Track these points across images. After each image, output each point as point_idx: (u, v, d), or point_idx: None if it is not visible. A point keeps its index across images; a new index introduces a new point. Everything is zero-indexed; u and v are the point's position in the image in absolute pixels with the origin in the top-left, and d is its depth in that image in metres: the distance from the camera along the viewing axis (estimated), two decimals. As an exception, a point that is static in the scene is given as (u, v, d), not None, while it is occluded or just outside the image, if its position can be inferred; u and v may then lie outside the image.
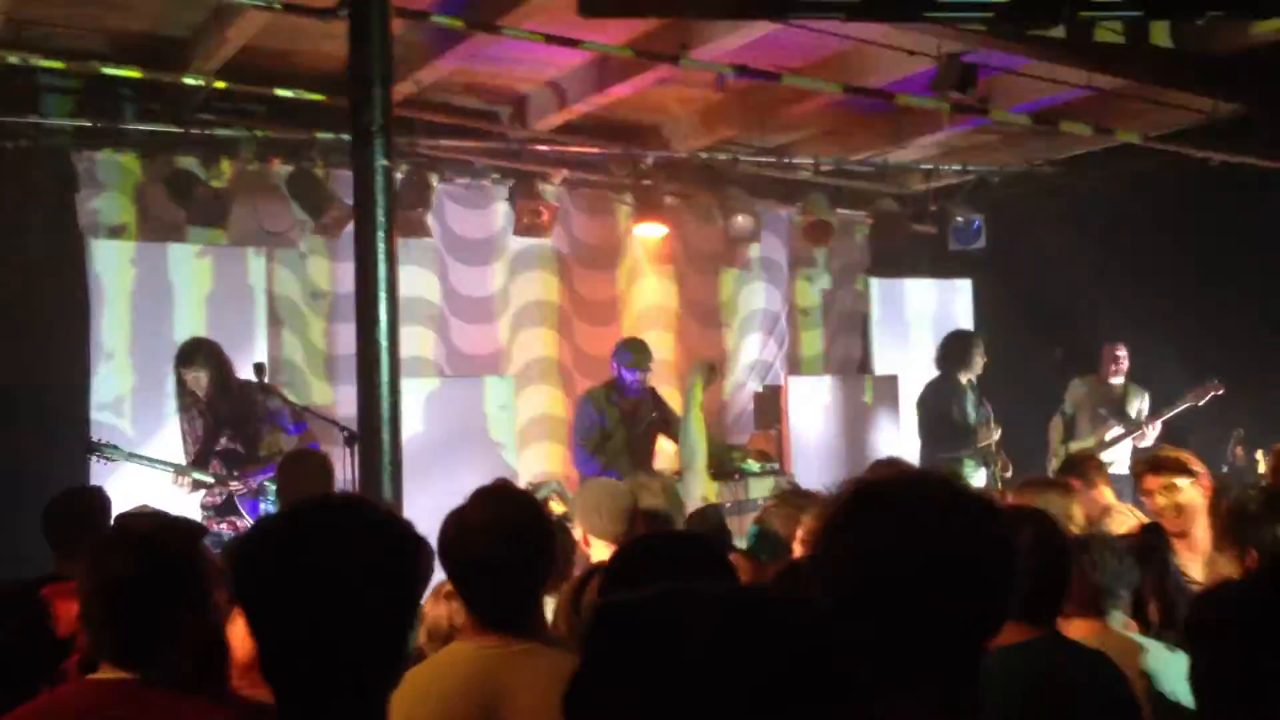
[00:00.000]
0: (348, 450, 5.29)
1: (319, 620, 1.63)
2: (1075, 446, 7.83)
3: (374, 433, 4.26)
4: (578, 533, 4.04)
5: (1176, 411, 7.87)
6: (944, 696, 1.39)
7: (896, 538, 1.38)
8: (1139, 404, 8.30)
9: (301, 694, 1.66)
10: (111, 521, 4.00)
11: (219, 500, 6.23)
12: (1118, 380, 8.29)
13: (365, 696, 1.67)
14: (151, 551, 2.10)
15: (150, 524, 2.27)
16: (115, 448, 5.99)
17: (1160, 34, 6.19)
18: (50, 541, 4.05)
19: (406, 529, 1.77)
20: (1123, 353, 8.25)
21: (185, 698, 2.03)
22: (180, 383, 6.27)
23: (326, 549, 1.67)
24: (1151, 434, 7.95)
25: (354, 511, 1.77)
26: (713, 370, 7.08)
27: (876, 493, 1.46)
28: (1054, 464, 7.95)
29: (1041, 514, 2.75)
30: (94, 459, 5.97)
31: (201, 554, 2.15)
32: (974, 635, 1.41)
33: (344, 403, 6.80)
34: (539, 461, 8.48)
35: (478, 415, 7.96)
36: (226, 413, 6.26)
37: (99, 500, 4.36)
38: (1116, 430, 8.09)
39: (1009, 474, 7.49)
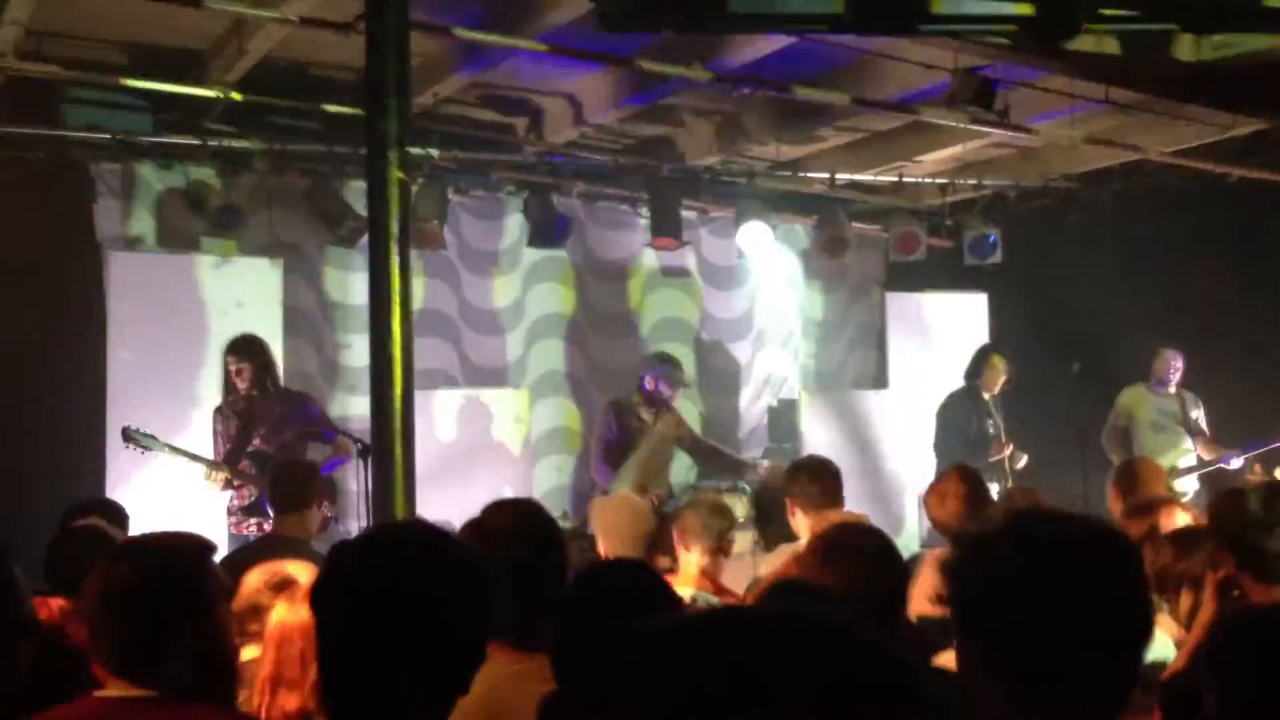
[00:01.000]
0: (361, 462, 5.29)
1: (388, 645, 1.63)
2: None
3: (387, 445, 4.24)
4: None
5: (1270, 448, 7.39)
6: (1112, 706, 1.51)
7: (1054, 566, 1.51)
8: (1197, 413, 7.98)
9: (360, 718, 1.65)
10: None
11: (248, 501, 6.26)
12: (1171, 390, 7.99)
13: None
14: (157, 562, 2.09)
15: (158, 537, 2.26)
16: (152, 437, 6.02)
17: (1179, 48, 6.16)
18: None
19: (477, 555, 1.76)
20: (1179, 361, 7.94)
21: (202, 715, 2.00)
22: (225, 373, 6.32)
23: (401, 576, 1.67)
24: (1237, 462, 7.55)
25: (428, 538, 1.76)
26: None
27: (1028, 527, 1.61)
28: None
29: None
30: (130, 448, 6.00)
31: (208, 567, 2.14)
32: (1129, 648, 1.54)
33: (358, 414, 6.79)
34: (552, 474, 8.46)
35: (491, 428, 7.96)
36: (262, 413, 6.29)
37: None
38: (1191, 459, 7.73)
39: None
